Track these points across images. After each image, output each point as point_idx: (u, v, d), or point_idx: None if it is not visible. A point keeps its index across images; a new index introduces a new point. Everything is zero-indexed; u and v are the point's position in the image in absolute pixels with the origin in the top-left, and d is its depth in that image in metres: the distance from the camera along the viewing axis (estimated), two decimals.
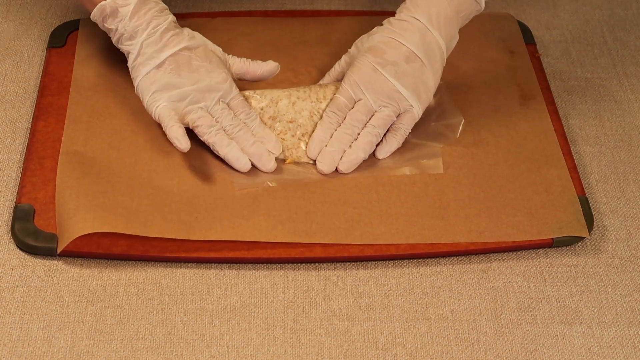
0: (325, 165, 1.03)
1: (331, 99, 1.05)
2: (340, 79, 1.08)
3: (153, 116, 1.03)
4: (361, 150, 1.03)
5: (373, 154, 1.04)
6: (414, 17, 1.04)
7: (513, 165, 1.04)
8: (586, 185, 1.05)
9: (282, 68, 1.08)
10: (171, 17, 1.05)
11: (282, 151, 1.04)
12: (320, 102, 1.06)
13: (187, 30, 1.05)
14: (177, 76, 1.02)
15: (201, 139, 1.02)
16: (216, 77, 1.03)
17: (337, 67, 1.09)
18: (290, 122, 1.05)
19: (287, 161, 1.04)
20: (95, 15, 1.04)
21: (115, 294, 0.94)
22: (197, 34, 1.06)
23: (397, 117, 1.05)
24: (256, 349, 0.90)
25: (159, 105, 1.02)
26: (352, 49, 1.08)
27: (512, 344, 0.92)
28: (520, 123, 1.09)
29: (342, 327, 0.92)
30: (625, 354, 0.91)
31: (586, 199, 1.02)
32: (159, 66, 1.03)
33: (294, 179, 1.02)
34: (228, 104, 1.03)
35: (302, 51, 1.16)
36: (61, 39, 1.15)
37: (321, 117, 1.05)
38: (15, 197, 1.00)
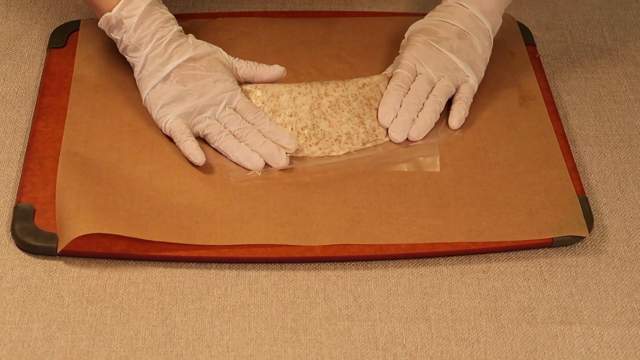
0: (398, 134, 1.06)
1: (392, 75, 1.09)
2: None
3: (163, 130, 1.04)
4: (428, 118, 1.06)
5: (447, 126, 1.08)
6: (461, 4, 1.10)
7: (513, 165, 1.04)
8: (586, 185, 1.05)
9: None
10: (176, 28, 1.05)
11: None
12: (321, 98, 1.06)
13: (191, 39, 1.05)
14: (183, 88, 1.03)
15: (212, 146, 1.03)
16: (221, 86, 1.04)
17: (390, 69, 1.11)
18: (291, 115, 1.05)
19: None
20: (101, 24, 1.05)
21: (115, 294, 0.93)
22: (201, 43, 1.06)
23: (456, 89, 1.08)
24: (256, 349, 0.90)
25: (169, 120, 1.03)
26: (403, 42, 1.12)
27: (512, 344, 0.92)
28: (520, 123, 1.09)
29: (342, 327, 0.92)
30: (625, 354, 0.91)
31: (586, 198, 1.02)
32: (164, 79, 1.03)
33: (282, 171, 1.02)
34: (235, 109, 1.04)
35: (302, 51, 1.16)
36: (61, 39, 1.15)
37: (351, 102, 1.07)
38: (15, 196, 1.00)
